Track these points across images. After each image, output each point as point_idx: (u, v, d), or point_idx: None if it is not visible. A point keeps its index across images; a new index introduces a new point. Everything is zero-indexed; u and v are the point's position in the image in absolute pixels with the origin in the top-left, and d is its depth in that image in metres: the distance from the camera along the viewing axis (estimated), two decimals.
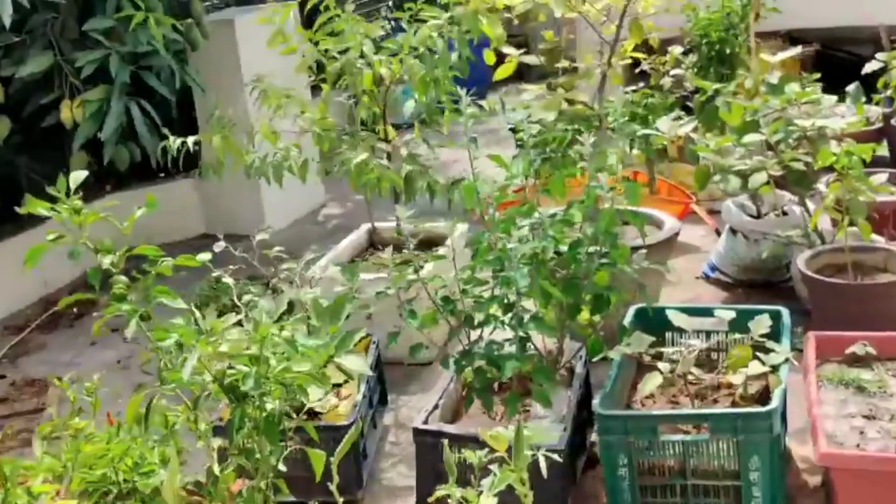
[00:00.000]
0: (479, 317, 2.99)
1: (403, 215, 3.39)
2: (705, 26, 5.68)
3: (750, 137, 4.39)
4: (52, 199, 2.38)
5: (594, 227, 3.14)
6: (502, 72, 4.16)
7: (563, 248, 3.11)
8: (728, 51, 5.70)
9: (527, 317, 2.98)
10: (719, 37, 5.67)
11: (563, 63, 4.15)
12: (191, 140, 4.02)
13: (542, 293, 2.99)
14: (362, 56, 4.08)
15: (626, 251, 3.25)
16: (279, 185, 4.12)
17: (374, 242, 4.88)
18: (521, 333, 2.93)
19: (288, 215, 6.47)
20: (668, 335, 3.44)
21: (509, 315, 2.96)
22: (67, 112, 4.77)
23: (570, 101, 4.03)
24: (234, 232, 6.28)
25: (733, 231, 4.75)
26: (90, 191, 5.96)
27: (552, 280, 3.01)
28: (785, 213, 4.73)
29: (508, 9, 3.93)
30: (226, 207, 6.23)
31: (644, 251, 4.10)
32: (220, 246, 3.70)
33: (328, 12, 4.17)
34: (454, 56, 4.11)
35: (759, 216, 4.75)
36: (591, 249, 3.12)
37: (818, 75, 6.78)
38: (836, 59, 7.71)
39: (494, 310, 2.97)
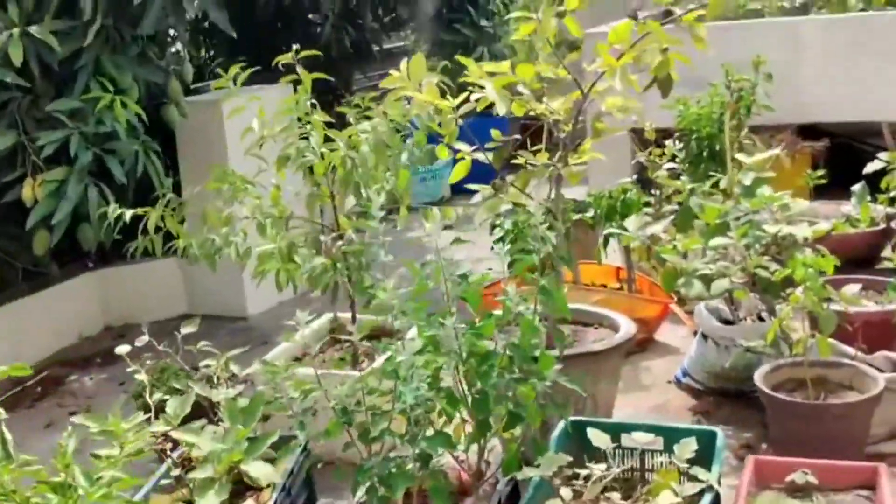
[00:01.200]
0: (375, 430, 2.83)
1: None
2: (695, 121, 5.53)
3: (717, 241, 4.22)
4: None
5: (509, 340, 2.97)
6: (458, 172, 4.04)
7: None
8: (718, 147, 5.53)
9: (426, 432, 2.81)
10: (709, 132, 5.51)
11: (521, 159, 4.01)
12: (128, 214, 3.93)
13: (446, 407, 2.84)
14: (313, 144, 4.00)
15: (549, 362, 3.08)
16: (212, 270, 4.01)
17: (335, 332, 4.75)
18: (417, 450, 2.76)
19: (272, 297, 6.36)
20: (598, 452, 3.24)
21: (405, 430, 2.79)
22: (29, 190, 4.76)
23: (517, 203, 3.88)
24: (216, 313, 6.28)
25: (704, 336, 4.54)
26: (71, 266, 5.99)
27: (455, 395, 2.85)
28: (762, 319, 4.51)
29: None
30: (208, 287, 6.15)
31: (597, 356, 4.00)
32: (141, 340, 3.59)
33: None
34: (404, 154, 4.00)
35: (733, 321, 4.54)
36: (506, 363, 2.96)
37: (822, 172, 6.69)
38: (854, 152, 7.50)
39: (390, 424, 2.81)
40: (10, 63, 4.56)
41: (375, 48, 8.34)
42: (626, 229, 4.63)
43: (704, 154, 5.58)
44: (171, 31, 5.62)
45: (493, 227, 5.30)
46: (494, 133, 3.86)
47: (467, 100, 3.70)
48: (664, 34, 3.67)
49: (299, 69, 4.09)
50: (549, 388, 2.96)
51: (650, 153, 5.87)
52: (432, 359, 2.72)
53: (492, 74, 3.66)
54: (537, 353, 3.01)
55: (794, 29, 7.40)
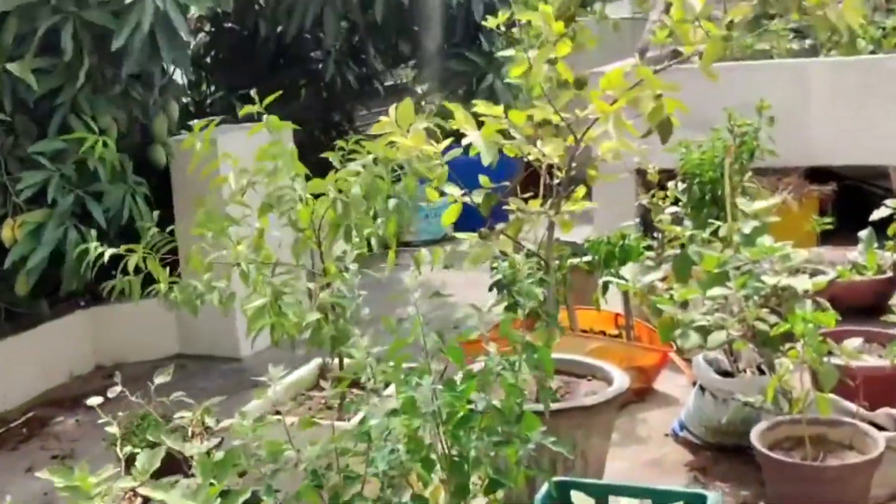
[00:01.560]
0: (346, 495, 2.70)
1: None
2: (697, 165, 5.42)
3: (715, 291, 4.10)
4: None
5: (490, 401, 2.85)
6: (448, 216, 3.94)
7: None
8: (720, 192, 5.41)
9: (402, 497, 2.69)
10: (711, 177, 5.40)
11: (513, 205, 3.90)
12: (106, 254, 3.83)
13: (421, 471, 2.72)
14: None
15: (534, 423, 2.95)
16: (193, 315, 3.90)
17: (323, 378, 4.63)
18: None
19: (266, 338, 6.25)
20: None
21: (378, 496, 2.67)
22: (8, 231, 4.68)
23: (504, 253, 3.77)
24: (209, 353, 6.18)
25: (702, 388, 4.39)
26: (63, 305, 5.89)
27: (432, 459, 2.72)
28: (762, 372, 4.37)
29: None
30: (201, 327, 6.02)
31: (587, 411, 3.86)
32: (114, 391, 3.48)
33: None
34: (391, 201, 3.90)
35: (732, 373, 4.40)
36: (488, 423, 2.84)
37: (829, 218, 6.57)
38: (864, 194, 7.37)
39: (363, 488, 2.69)
40: None
41: (379, 84, 8.29)
42: (623, 277, 4.51)
43: (707, 198, 5.46)
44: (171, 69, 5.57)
45: (493, 268, 5.19)
46: (483, 179, 3.75)
47: (459, 142, 3.62)
48: (657, 80, 3.57)
49: (266, 118, 3.97)
50: (533, 450, 2.84)
51: (653, 196, 5.76)
52: (408, 421, 2.60)
53: (478, 118, 3.59)
54: (521, 412, 2.89)
55: (803, 71, 7.30)
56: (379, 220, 3.93)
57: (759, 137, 5.47)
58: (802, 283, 3.87)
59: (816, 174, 7.24)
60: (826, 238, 6.83)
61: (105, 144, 4.72)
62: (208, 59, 8.02)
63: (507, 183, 4.33)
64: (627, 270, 4.51)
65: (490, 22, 4.06)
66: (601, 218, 7.28)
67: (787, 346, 3.69)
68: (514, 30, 6.93)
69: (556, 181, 3.92)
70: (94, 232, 4.69)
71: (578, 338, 4.92)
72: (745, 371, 4.40)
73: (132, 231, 5.07)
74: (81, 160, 4.74)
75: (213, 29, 7.84)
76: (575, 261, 4.94)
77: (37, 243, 4.65)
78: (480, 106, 3.71)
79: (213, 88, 7.99)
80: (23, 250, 4.68)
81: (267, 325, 3.59)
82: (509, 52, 3.86)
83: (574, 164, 3.93)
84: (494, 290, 4.85)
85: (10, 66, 4.63)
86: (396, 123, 3.62)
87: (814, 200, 7.00)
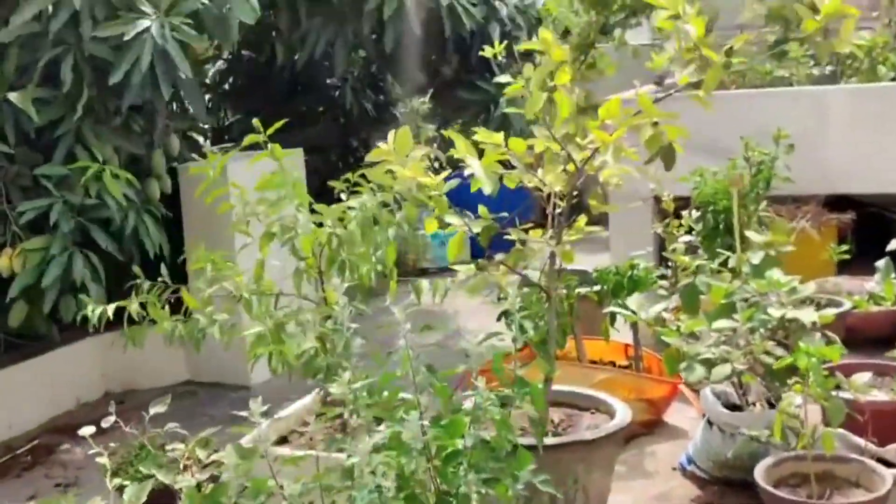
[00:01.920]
0: None
1: None
2: (711, 194, 5.35)
3: (721, 323, 4.02)
4: None
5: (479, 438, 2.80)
6: (453, 248, 3.90)
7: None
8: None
9: None
10: (725, 206, 5.33)
11: (514, 235, 3.85)
12: (111, 308, 3.82)
13: None
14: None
15: (526, 460, 2.89)
16: (196, 350, 3.88)
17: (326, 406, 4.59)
18: None
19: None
20: None
21: None
22: (6, 260, 4.68)
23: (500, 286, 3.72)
24: (218, 380, 6.15)
25: (710, 422, 4.31)
26: (73, 332, 5.89)
27: (418, 498, 2.67)
28: (772, 406, 4.28)
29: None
30: (211, 355, 6.00)
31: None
32: (108, 421, 3.46)
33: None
34: (391, 230, 3.87)
35: (741, 406, 4.31)
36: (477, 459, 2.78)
37: (846, 247, 6.46)
38: (885, 222, 7.25)
39: None
40: None
41: (397, 111, 8.29)
42: (629, 307, 4.44)
43: (721, 228, 5.39)
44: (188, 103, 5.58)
45: (499, 298, 5.14)
46: (482, 210, 3.71)
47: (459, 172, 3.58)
48: (654, 108, 3.51)
49: (270, 146, 3.96)
50: (523, 490, 2.78)
51: (668, 224, 5.71)
52: (395, 458, 2.55)
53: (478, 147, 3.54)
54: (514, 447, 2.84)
55: (822, 98, 7.21)
56: (379, 252, 3.90)
57: (775, 166, 5.38)
58: (809, 315, 3.78)
59: (836, 202, 7.14)
60: (846, 267, 6.71)
61: (114, 175, 4.72)
62: (226, 86, 8.06)
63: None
64: (633, 301, 4.44)
65: (487, 51, 4.03)
66: (618, 246, 7.23)
67: (793, 380, 3.61)
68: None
69: (557, 210, 3.87)
70: (97, 260, 4.73)
71: (586, 369, 4.86)
72: (754, 404, 4.31)
73: (144, 254, 5.09)
74: (85, 189, 4.74)
75: (230, 56, 7.87)
76: (583, 290, 4.86)
77: (41, 270, 4.64)
78: (481, 134, 3.66)
79: (230, 114, 8.01)
80: (26, 280, 4.68)
81: (265, 353, 3.55)
82: (504, 79, 3.81)
83: (581, 192, 3.89)
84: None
85: (11, 96, 4.66)
86: (394, 151, 3.59)
87: (832, 229, 6.89)
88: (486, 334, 3.01)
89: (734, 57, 3.68)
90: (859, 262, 6.57)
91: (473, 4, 6.56)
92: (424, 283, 4.10)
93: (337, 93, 7.71)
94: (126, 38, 4.62)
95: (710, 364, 3.93)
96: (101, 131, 4.97)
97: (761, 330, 3.92)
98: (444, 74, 6.93)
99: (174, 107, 6.17)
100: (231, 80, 8.00)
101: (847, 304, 5.36)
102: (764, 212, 5.51)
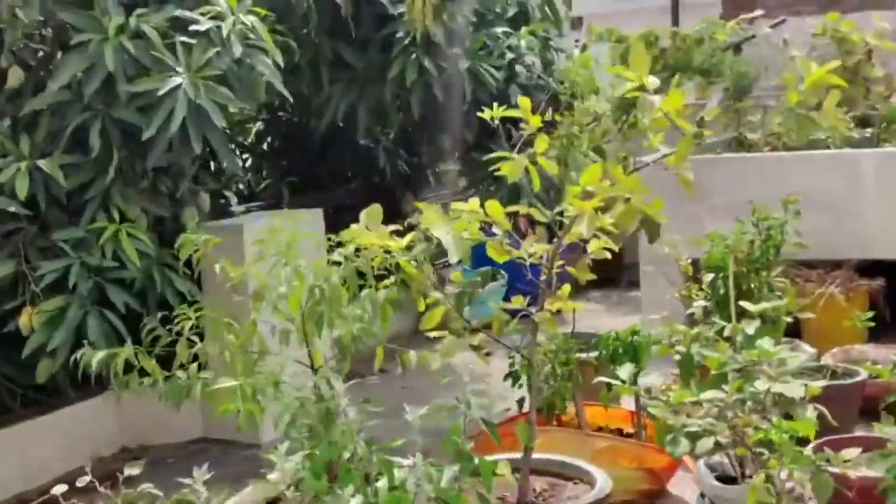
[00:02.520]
0: None
1: None
2: (720, 259, 5.29)
3: (709, 394, 3.96)
4: None
5: None
6: (429, 321, 3.90)
7: None
8: (745, 287, 5.28)
9: None
10: (735, 271, 5.26)
11: (491, 302, 3.88)
12: (96, 358, 3.91)
13: None
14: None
15: None
16: (175, 408, 3.95)
17: None
18: None
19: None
20: None
21: None
22: (26, 319, 4.83)
23: (475, 347, 3.73)
24: (230, 437, 6.21)
25: (702, 495, 4.23)
26: (90, 387, 6.00)
27: None
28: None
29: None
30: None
31: None
32: (83, 480, 3.53)
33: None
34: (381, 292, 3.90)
35: (735, 479, 4.22)
36: None
37: (870, 314, 6.31)
38: None
39: None
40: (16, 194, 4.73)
41: (430, 172, 8.37)
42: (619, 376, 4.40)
43: (730, 294, 5.31)
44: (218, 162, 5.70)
45: (510, 357, 5.13)
46: (454, 276, 3.74)
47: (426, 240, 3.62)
48: (628, 181, 3.51)
49: (285, 210, 4.04)
50: None
51: (687, 288, 5.66)
52: None
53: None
54: None
55: (856, 161, 7.11)
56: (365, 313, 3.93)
57: (785, 231, 5.31)
58: (794, 389, 3.71)
59: (870, 267, 6.99)
60: (878, 335, 6.55)
61: (128, 234, 4.87)
62: (265, 146, 8.25)
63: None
64: (624, 370, 4.40)
65: (486, 113, 4.05)
66: (649, 308, 7.16)
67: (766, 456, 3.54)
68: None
69: (542, 277, 3.88)
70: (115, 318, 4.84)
71: (586, 437, 4.80)
72: (750, 477, 4.22)
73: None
74: (102, 249, 4.90)
75: (268, 116, 8.07)
76: (583, 356, 4.84)
77: (55, 329, 4.78)
78: (456, 205, 3.72)
79: (264, 174, 8.18)
80: (38, 339, 4.82)
81: (233, 410, 3.58)
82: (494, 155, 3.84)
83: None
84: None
85: (40, 163, 4.85)
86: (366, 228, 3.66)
87: (862, 295, 6.73)
88: (431, 406, 3.01)
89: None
90: (892, 329, 6.41)
91: (497, 68, 6.64)
92: (412, 353, 4.10)
93: (371, 152, 7.83)
94: (160, 93, 4.77)
95: (695, 437, 3.87)
96: (128, 193, 5.13)
97: (749, 403, 3.86)
98: (467, 139, 7.01)
99: (211, 166, 6.37)
100: (269, 140, 8.18)
101: (863, 374, 5.23)
102: (778, 278, 5.42)
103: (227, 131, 6.21)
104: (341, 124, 6.86)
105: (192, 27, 4.91)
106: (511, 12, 7.10)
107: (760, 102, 9.13)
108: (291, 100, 5.57)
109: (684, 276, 5.87)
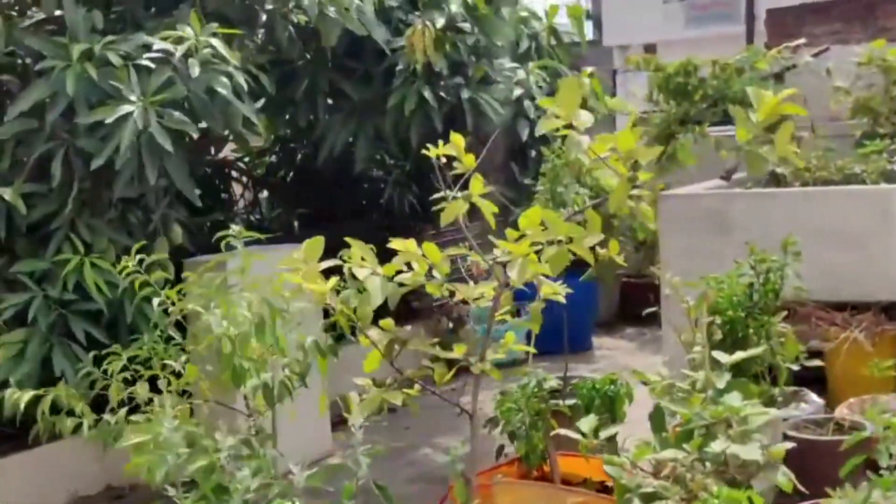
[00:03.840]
0: None
1: None
2: (715, 304, 4.97)
3: (666, 454, 3.67)
4: None
5: None
6: (370, 361, 3.69)
7: None
8: (741, 333, 4.95)
9: None
10: (730, 317, 4.94)
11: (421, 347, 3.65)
12: (25, 399, 3.78)
13: None
14: None
15: None
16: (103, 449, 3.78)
17: None
18: None
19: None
20: None
21: None
22: None
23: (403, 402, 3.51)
24: None
25: None
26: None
27: None
28: None
29: None
30: None
31: None
32: None
33: None
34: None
35: None
36: None
37: (890, 362, 5.88)
38: None
39: None
40: None
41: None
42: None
43: (728, 341, 4.99)
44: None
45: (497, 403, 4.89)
46: (384, 323, 3.51)
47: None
48: (565, 226, 3.26)
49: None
50: None
51: (691, 332, 5.34)
52: None
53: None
54: None
55: (888, 198, 6.70)
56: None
57: (785, 274, 4.97)
58: (750, 451, 3.41)
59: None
60: None
61: (92, 265, 4.76)
62: (280, 177, 8.14)
63: None
64: (584, 423, 4.11)
65: (431, 151, 3.84)
66: (668, 347, 6.86)
67: None
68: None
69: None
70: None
71: (558, 491, 4.52)
72: None
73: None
74: (64, 282, 4.80)
75: (280, 149, 7.97)
76: (556, 405, 4.57)
77: (19, 362, 4.68)
78: (395, 243, 3.52)
79: (274, 206, 8.06)
80: (4, 371, 4.71)
81: (142, 464, 3.40)
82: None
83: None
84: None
85: (1, 191, 4.77)
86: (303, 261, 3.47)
87: (890, 338, 6.30)
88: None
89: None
90: None
91: (502, 101, 6.43)
92: (354, 396, 3.90)
93: (382, 185, 7.66)
94: (107, 121, 4.67)
95: (649, 498, 3.59)
96: (95, 224, 5.03)
97: (708, 464, 3.56)
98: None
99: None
100: (282, 172, 8.07)
101: (870, 429, 4.85)
102: (783, 324, 5.07)
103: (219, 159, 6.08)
104: (347, 155, 6.71)
105: (148, 53, 4.79)
106: (524, 46, 6.89)
107: (798, 134, 8.75)
108: (258, 126, 5.41)
109: (689, 318, 5.56)
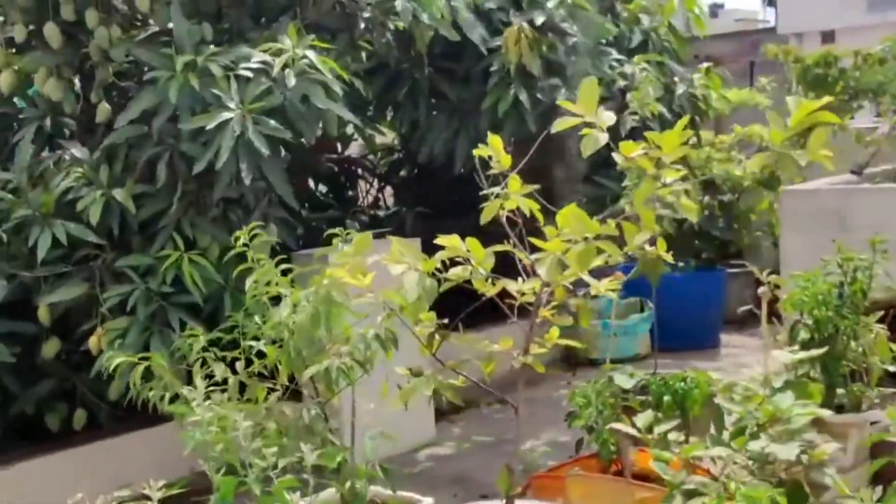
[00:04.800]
0: None
1: None
2: (799, 303, 4.89)
3: (714, 451, 3.68)
4: None
5: None
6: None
7: None
8: (826, 333, 4.84)
9: None
10: (817, 316, 4.84)
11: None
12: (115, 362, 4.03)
13: None
14: None
15: None
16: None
17: None
18: None
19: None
20: None
21: None
22: (95, 340, 5.14)
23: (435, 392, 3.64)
24: None
25: None
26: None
27: None
28: None
29: None
30: None
31: None
32: None
33: None
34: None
35: None
36: None
37: None
38: None
39: None
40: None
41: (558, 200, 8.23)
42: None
43: (815, 339, 4.89)
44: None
45: (570, 398, 4.96)
46: (425, 316, 3.64)
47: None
48: (592, 224, 3.32)
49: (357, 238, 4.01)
50: None
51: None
52: None
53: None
54: None
55: None
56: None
57: (873, 273, 4.83)
58: (788, 451, 3.39)
59: None
60: None
61: (191, 261, 5.11)
62: (402, 174, 8.39)
63: None
64: (641, 418, 4.14)
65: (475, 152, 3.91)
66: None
67: None
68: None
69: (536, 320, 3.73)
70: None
71: (627, 485, 4.55)
72: None
73: None
74: (163, 277, 5.17)
75: (403, 148, 8.22)
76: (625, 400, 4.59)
77: (120, 347, 5.05)
78: (441, 239, 3.67)
79: (393, 203, 8.32)
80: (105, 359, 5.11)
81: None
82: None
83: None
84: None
85: (114, 192, 5.20)
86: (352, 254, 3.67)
87: None
88: None
89: None
90: None
91: (604, 99, 6.45)
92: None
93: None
94: (207, 127, 4.99)
95: (690, 495, 3.60)
96: (198, 223, 5.38)
97: (753, 462, 3.55)
98: (579, 169, 6.83)
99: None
100: (406, 171, 8.32)
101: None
102: (876, 326, 4.92)
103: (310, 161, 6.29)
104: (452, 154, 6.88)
105: (246, 64, 5.09)
106: (635, 42, 6.89)
107: None
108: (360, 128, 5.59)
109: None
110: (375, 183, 8.53)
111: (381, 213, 8.21)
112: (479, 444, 6.48)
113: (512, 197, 3.61)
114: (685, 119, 3.35)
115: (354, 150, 8.71)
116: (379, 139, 8.22)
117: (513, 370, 3.71)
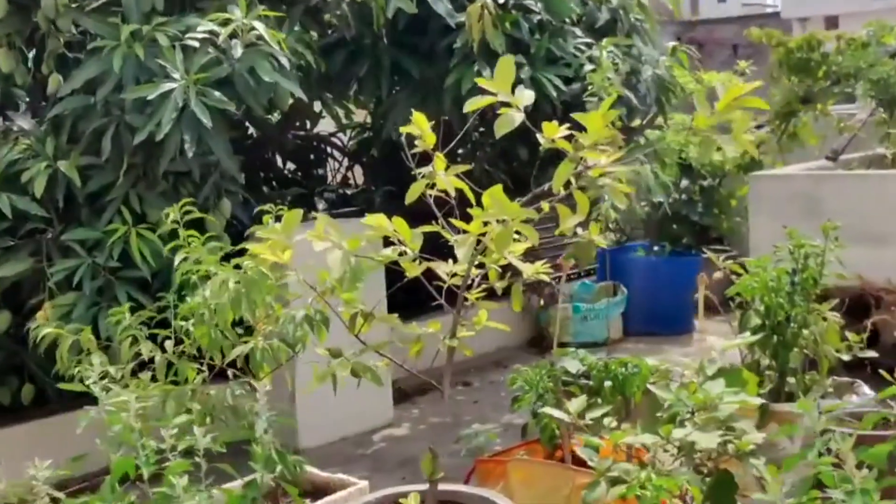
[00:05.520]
0: None
1: None
2: (749, 289, 4.84)
3: (643, 438, 3.63)
4: None
5: None
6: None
7: None
8: (778, 319, 4.80)
9: None
10: (767, 303, 4.79)
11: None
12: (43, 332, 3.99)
13: None
14: None
15: None
16: None
17: None
18: None
19: (331, 430, 6.18)
20: None
21: None
22: (42, 315, 5.06)
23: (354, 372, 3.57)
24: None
25: None
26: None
27: None
28: None
29: None
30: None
31: None
32: None
33: None
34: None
35: None
36: None
37: None
38: None
39: None
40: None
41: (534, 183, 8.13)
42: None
43: (766, 325, 4.84)
44: None
45: (512, 381, 4.90)
46: (345, 297, 3.58)
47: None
48: (511, 206, 3.26)
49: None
50: None
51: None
52: None
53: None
54: None
55: None
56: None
57: (824, 260, 4.77)
58: (710, 439, 3.33)
59: None
60: None
61: (139, 235, 5.05)
62: (372, 153, 8.29)
63: None
64: (574, 403, 4.07)
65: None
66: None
67: None
68: None
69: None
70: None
71: (567, 471, 4.51)
72: None
73: None
74: (110, 251, 5.11)
75: (372, 126, 8.12)
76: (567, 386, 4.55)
77: (67, 323, 5.00)
78: (368, 218, 3.61)
79: (359, 182, 8.23)
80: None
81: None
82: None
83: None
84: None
85: (59, 164, 5.13)
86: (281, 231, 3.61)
87: None
88: None
89: None
90: None
91: (568, 79, 6.37)
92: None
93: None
94: (149, 97, 4.92)
95: (613, 482, 3.55)
96: (147, 196, 5.32)
97: (676, 450, 3.50)
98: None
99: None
100: (372, 149, 8.23)
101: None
102: (829, 313, 4.87)
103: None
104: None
105: (192, 34, 5.01)
106: (601, 21, 6.78)
107: None
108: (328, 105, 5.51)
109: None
110: (346, 161, 8.44)
111: (349, 192, 8.12)
112: (436, 426, 6.43)
113: (436, 176, 3.53)
114: (610, 100, 3.28)
115: (330, 127, 8.62)
116: (354, 117, 8.13)
117: (486, 354, 3.68)
